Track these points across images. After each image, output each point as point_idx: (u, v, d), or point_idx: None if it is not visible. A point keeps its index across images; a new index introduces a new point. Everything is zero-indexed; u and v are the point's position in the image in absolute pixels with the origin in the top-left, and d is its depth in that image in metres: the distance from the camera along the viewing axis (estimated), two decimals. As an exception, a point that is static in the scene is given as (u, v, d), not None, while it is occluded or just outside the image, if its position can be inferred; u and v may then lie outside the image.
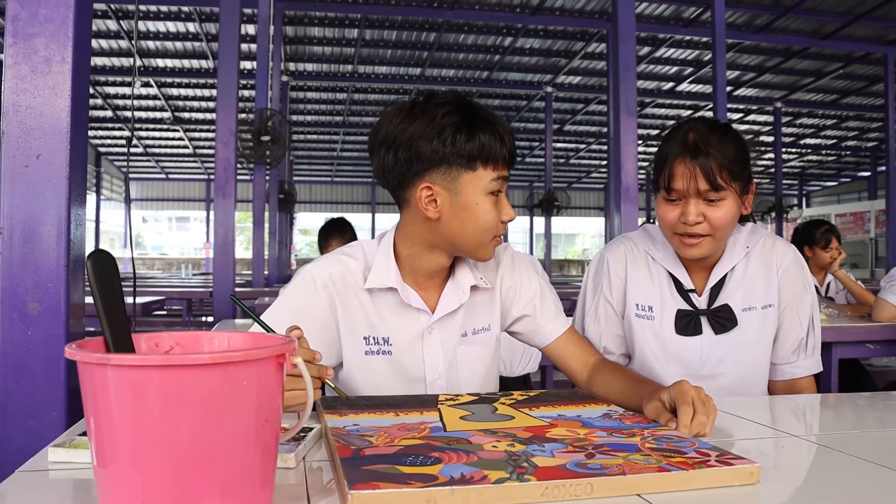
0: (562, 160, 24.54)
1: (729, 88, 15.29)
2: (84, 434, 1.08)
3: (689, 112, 17.73)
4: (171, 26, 13.07)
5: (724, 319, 1.69)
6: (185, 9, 12.24)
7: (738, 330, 1.70)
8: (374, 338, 1.45)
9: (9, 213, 1.75)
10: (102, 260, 0.80)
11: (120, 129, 20.45)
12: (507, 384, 2.95)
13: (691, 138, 1.58)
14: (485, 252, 1.42)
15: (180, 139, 22.08)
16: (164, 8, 12.22)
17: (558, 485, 0.81)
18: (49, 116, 1.79)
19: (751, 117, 18.28)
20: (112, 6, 11.97)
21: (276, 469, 0.78)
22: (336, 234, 3.98)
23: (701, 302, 1.73)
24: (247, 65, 13.46)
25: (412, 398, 1.29)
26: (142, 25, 13.00)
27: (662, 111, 18.24)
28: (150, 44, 13.83)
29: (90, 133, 20.97)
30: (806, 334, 1.73)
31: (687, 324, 1.71)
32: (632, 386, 1.34)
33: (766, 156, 19.66)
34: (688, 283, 1.73)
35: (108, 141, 22.71)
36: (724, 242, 1.69)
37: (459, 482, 0.80)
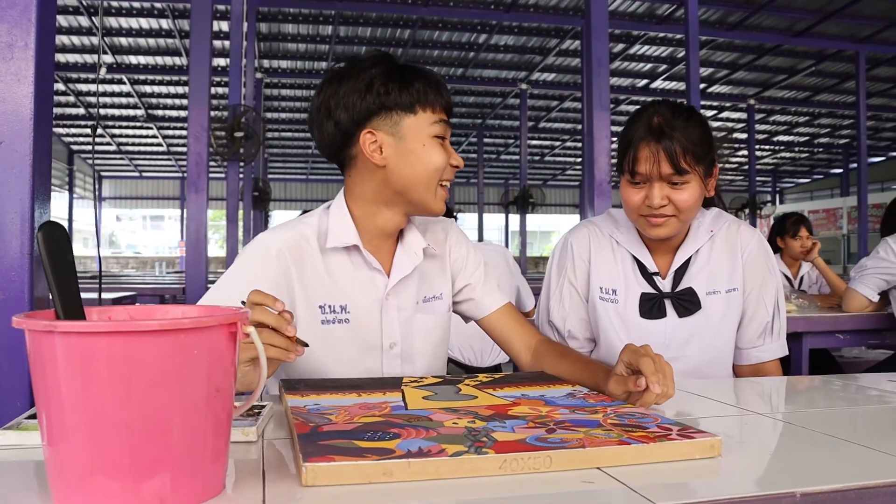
0: (537, 157, 24.60)
1: (702, 86, 15.38)
2: (33, 417, 1.06)
3: (664, 109, 17.82)
4: (144, 23, 12.94)
5: (687, 303, 1.70)
6: (157, 5, 12.13)
7: (702, 313, 1.71)
8: (330, 306, 1.42)
9: (-29, 200, 1.73)
10: (53, 231, 0.79)
11: (94, 126, 20.22)
12: (469, 371, 2.96)
13: (656, 122, 1.59)
14: (436, 201, 1.42)
15: (154, 137, 21.87)
16: (136, 4, 12.11)
17: (517, 458, 0.80)
18: (11, 103, 1.76)
19: (724, 114, 18.41)
20: (84, 1, 11.85)
21: (229, 443, 0.77)
22: None
23: (665, 285, 1.73)
24: (220, 62, 13.38)
25: (376, 380, 1.28)
26: (114, 22, 12.88)
27: (637, 108, 18.31)
28: (123, 40, 13.69)
29: (62, 131, 20.75)
30: (772, 318, 1.74)
31: (651, 307, 1.71)
32: (581, 367, 1.35)
33: (740, 153, 19.84)
34: (651, 267, 1.74)
35: (81, 139, 22.47)
36: (689, 224, 1.70)
37: (416, 455, 0.79)
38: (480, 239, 20.97)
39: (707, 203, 1.80)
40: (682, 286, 1.72)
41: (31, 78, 1.77)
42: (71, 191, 24.26)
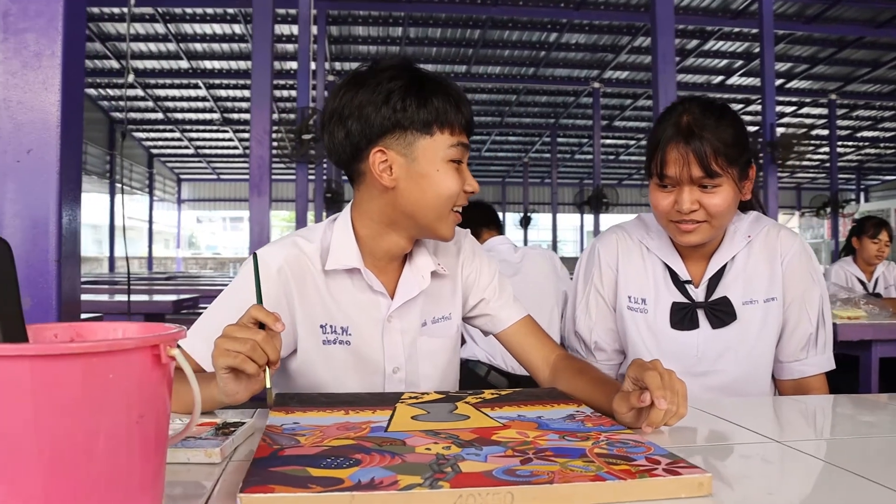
0: (611, 157, 24.22)
1: (780, 81, 14.92)
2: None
3: (741, 106, 17.36)
4: (218, 28, 13.22)
5: (721, 313, 1.59)
6: (230, 10, 12.37)
7: (738, 324, 1.60)
8: (331, 326, 1.37)
9: (0, 207, 1.75)
10: (-6, 248, 0.76)
11: (171, 130, 20.78)
12: (515, 382, 2.88)
13: (685, 121, 1.49)
14: (446, 227, 1.34)
15: (230, 140, 22.34)
16: (209, 10, 12.38)
17: (473, 493, 0.74)
18: (40, 111, 1.78)
19: (804, 110, 17.80)
20: (159, 10, 12.16)
21: (163, 469, 0.72)
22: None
23: (698, 294, 1.63)
24: (293, 65, 13.58)
25: (374, 396, 1.23)
26: (189, 28, 13.20)
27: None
28: (198, 46, 14.01)
29: (142, 135, 21.32)
30: (815, 329, 1.61)
31: (683, 317, 1.61)
32: (595, 386, 1.27)
33: (822, 150, 19.16)
34: (684, 275, 1.64)
35: (160, 143, 23.10)
36: (723, 229, 1.60)
37: (364, 487, 0.73)
38: (555, 240, 20.76)
39: (746, 206, 1.70)
40: (716, 295, 1.62)
41: (59, 86, 1.79)
42: (151, 193, 24.94)
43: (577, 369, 1.38)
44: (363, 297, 1.39)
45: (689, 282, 1.64)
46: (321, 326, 1.37)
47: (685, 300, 1.63)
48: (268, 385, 1.03)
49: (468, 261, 1.54)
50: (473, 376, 2.92)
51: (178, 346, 1.28)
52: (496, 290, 1.53)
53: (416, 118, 1.28)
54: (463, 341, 3.11)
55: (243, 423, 1.06)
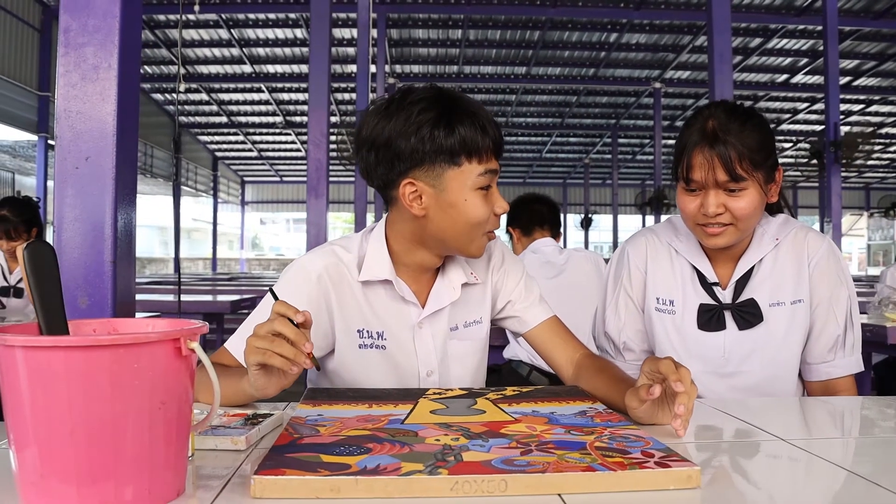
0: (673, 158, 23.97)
1: (847, 79, 14.59)
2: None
3: (806, 105, 17.01)
4: (280, 33, 13.50)
5: (748, 314, 1.61)
6: (292, 15, 12.63)
7: (765, 326, 1.62)
8: (367, 331, 1.44)
9: (60, 212, 1.86)
10: (39, 249, 0.84)
11: (235, 133, 21.22)
12: (556, 382, 2.91)
13: (710, 126, 1.51)
14: (475, 248, 1.39)
15: (292, 143, 22.73)
16: (272, 15, 12.65)
17: (469, 480, 0.79)
18: (97, 120, 1.88)
19: (873, 108, 17.36)
20: (223, 16, 12.47)
21: (186, 450, 0.80)
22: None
23: (725, 296, 1.65)
24: (355, 68, 13.81)
25: (399, 391, 1.29)
26: (251, 33, 13.49)
27: (777, 104, 17.55)
28: (261, 50, 14.31)
29: (207, 139, 21.73)
30: (843, 331, 1.62)
31: (709, 319, 1.64)
32: (613, 384, 1.30)
33: (891, 148, 18.63)
34: (711, 277, 1.66)
35: (225, 146, 23.61)
36: (750, 232, 1.62)
37: (369, 473, 0.79)
38: (615, 241, 20.62)
39: (775, 209, 1.72)
40: (743, 297, 1.64)
41: (115, 97, 1.88)
42: (215, 195, 25.50)
43: (598, 368, 1.42)
44: (395, 305, 1.46)
45: (716, 284, 1.66)
46: (358, 331, 1.44)
47: (712, 302, 1.65)
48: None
49: (497, 267, 1.58)
50: (516, 376, 2.96)
51: (224, 348, 1.37)
52: (522, 292, 1.58)
53: (443, 150, 1.31)
54: (506, 342, 3.15)
55: (271, 415, 1.13)
